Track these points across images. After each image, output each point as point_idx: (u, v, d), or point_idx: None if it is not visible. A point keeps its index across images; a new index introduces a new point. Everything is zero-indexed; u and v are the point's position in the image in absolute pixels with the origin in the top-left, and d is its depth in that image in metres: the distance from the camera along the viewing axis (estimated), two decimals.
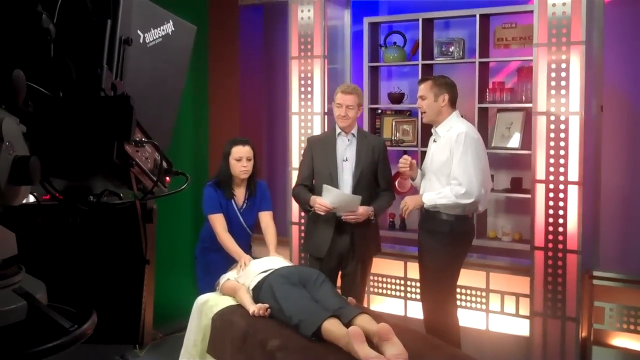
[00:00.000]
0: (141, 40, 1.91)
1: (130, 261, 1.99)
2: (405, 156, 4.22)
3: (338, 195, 4.08)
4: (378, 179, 4.28)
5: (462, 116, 4.24)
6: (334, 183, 4.17)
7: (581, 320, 4.32)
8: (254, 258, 4.24)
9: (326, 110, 5.20)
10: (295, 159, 5.28)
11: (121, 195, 2.00)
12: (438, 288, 4.06)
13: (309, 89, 5.24)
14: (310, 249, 4.34)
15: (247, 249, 4.42)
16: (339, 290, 4.28)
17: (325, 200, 4.05)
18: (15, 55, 1.58)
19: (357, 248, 4.21)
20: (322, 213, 4.09)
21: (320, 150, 4.29)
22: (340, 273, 4.31)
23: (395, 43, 5.40)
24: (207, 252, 4.44)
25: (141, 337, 2.06)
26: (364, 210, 4.10)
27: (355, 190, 4.16)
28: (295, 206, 5.27)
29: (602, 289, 4.44)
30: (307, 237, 4.40)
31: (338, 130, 4.26)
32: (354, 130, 4.26)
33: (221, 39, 6.00)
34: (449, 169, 3.93)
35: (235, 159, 4.30)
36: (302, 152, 4.51)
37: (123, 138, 1.65)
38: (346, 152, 4.23)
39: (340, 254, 4.21)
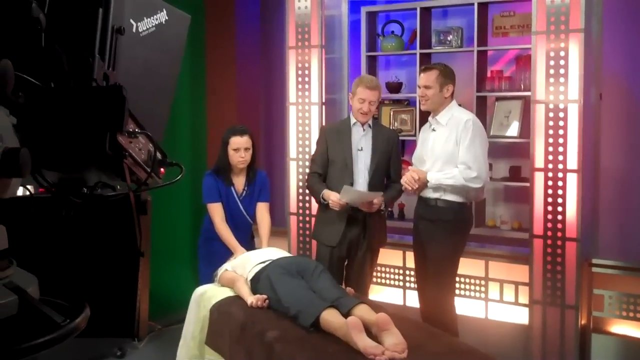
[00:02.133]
0: (134, 30, 1.88)
1: (124, 254, 1.98)
2: (411, 175, 4.05)
3: (357, 194, 4.08)
4: (390, 170, 4.29)
5: (459, 105, 4.22)
6: (349, 172, 4.18)
7: (580, 308, 4.31)
8: (256, 249, 4.23)
9: (324, 101, 5.17)
10: (293, 150, 5.26)
11: (116, 187, 1.98)
12: (439, 277, 4.05)
13: (307, 78, 5.21)
14: (322, 237, 4.33)
15: (249, 239, 4.41)
16: (345, 280, 4.29)
17: (343, 198, 4.05)
18: (5, 45, 1.55)
19: (367, 237, 4.23)
20: (337, 209, 4.11)
21: (335, 139, 4.28)
22: (346, 262, 4.31)
23: (393, 32, 5.37)
24: (209, 242, 4.42)
25: (137, 329, 2.05)
26: (378, 201, 4.11)
27: (370, 180, 4.18)
28: (293, 197, 5.26)
29: (601, 276, 4.44)
30: (319, 225, 4.40)
31: (353, 121, 4.25)
32: (370, 121, 4.25)
33: (218, 29, 5.97)
34: (456, 157, 3.92)
35: (233, 149, 4.28)
36: (316, 140, 4.50)
37: (116, 129, 1.62)
38: (361, 141, 4.23)
39: (351, 242, 4.23)
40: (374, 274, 5.13)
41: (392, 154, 4.29)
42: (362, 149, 4.22)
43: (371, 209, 4.12)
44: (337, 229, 4.21)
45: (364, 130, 4.24)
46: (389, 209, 5.43)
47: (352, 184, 4.16)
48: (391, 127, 5.26)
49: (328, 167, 4.28)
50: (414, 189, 4.04)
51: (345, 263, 4.32)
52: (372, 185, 4.19)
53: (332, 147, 4.28)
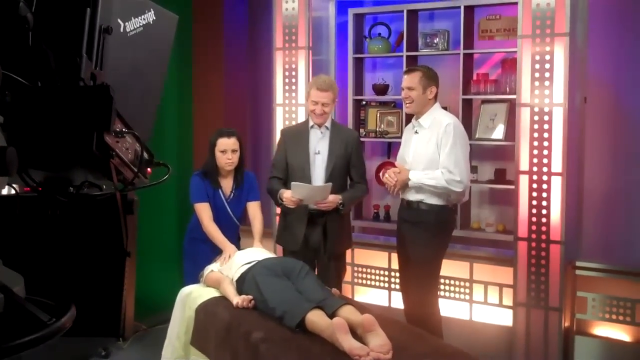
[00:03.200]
0: (121, 29, 1.89)
1: (110, 253, 1.97)
2: (392, 171, 4.10)
3: (307, 189, 4.07)
4: (351, 172, 4.27)
5: (444, 108, 4.24)
6: (306, 176, 4.16)
7: (564, 310, 4.35)
8: (240, 249, 4.22)
9: None
10: None
11: (102, 187, 1.97)
12: (422, 279, 4.06)
13: (294, 80, 5.22)
14: (285, 242, 4.32)
15: (235, 241, 4.40)
16: None
17: (295, 195, 4.04)
18: None
19: (328, 242, 4.20)
20: (292, 206, 4.09)
21: (293, 142, 4.27)
22: (316, 266, 4.30)
23: (380, 34, 5.38)
24: (194, 242, 4.41)
25: (122, 329, 2.05)
26: (333, 198, 4.09)
27: (327, 183, 4.14)
28: None
29: (584, 279, 4.47)
30: (281, 230, 4.39)
31: (311, 123, 4.23)
32: (328, 123, 4.24)
33: (205, 30, 5.96)
34: (436, 160, 3.94)
35: (220, 151, 4.27)
36: (277, 143, 4.47)
37: (103, 128, 1.63)
38: (319, 144, 4.22)
39: (313, 247, 4.21)
40: (360, 275, 5.16)
41: (352, 156, 4.24)
42: (319, 152, 4.20)
43: (327, 206, 4.09)
44: (297, 234, 4.20)
45: (321, 133, 4.22)
46: (375, 211, 5.46)
47: None
48: (377, 129, 5.27)
49: (287, 171, 4.27)
50: (393, 184, 4.03)
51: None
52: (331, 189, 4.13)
53: (290, 151, 4.26)
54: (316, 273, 4.28)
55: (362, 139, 5.41)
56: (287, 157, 4.26)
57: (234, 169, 4.34)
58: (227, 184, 4.37)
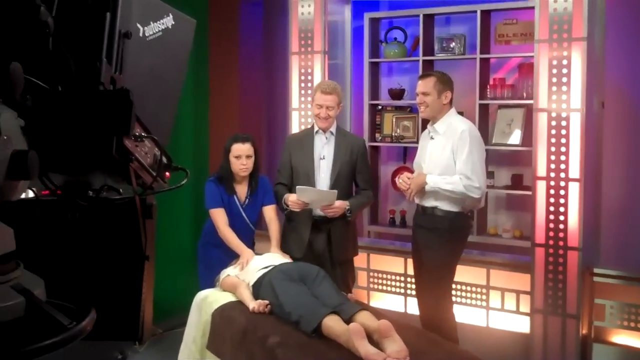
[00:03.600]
0: (140, 34, 1.89)
1: (129, 257, 1.97)
2: (405, 176, 4.11)
3: (313, 193, 4.07)
4: (357, 178, 4.25)
5: (460, 113, 4.23)
6: (311, 181, 4.16)
7: (582, 318, 4.31)
8: (256, 254, 4.22)
9: None
10: None
11: (121, 190, 1.98)
12: (436, 285, 4.05)
13: (310, 84, 5.22)
14: (288, 249, 4.29)
15: (250, 246, 4.40)
16: None
17: (301, 198, 4.04)
18: (13, 48, 1.56)
19: (333, 249, 4.19)
20: (297, 209, 4.08)
21: (298, 148, 4.27)
22: None
23: (395, 39, 5.38)
24: (208, 247, 4.42)
25: (141, 333, 2.05)
26: (340, 204, 4.08)
27: (332, 188, 4.13)
28: None
29: (602, 286, 4.43)
30: (285, 237, 4.36)
31: (316, 129, 4.24)
32: (333, 129, 4.24)
33: (221, 34, 5.98)
34: (452, 167, 3.93)
35: (234, 157, 4.26)
36: (283, 150, 4.47)
37: (122, 132, 1.63)
38: (323, 150, 4.22)
39: (318, 255, 4.18)
40: (376, 281, 5.14)
41: (358, 162, 4.22)
42: (324, 158, 4.20)
43: (334, 212, 4.07)
44: (301, 240, 4.19)
45: (326, 138, 4.22)
46: (391, 216, 5.44)
47: None
48: (393, 134, 5.25)
49: (292, 177, 4.26)
50: (406, 188, 4.02)
51: None
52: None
53: (295, 157, 4.27)
54: None
55: (378, 144, 5.43)
56: (292, 162, 4.27)
57: (248, 175, 4.34)
58: (241, 190, 4.36)
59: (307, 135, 4.29)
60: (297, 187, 4.06)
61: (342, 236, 4.22)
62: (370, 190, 4.30)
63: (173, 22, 2.02)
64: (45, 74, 1.64)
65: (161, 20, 1.98)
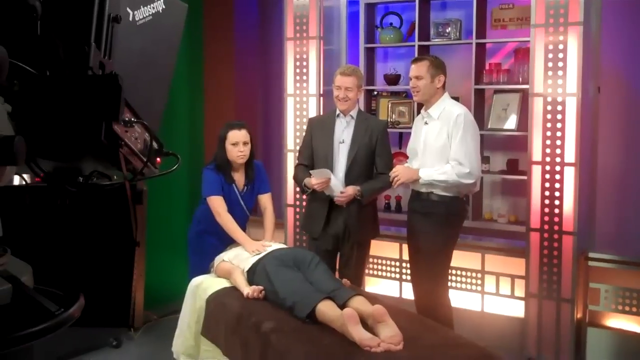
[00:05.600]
0: (130, 18, 1.87)
1: (120, 243, 1.97)
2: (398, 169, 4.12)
3: (325, 175, 4.07)
4: (376, 162, 4.23)
5: (456, 98, 4.21)
6: (329, 164, 4.16)
7: (576, 302, 4.32)
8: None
9: (322, 92, 5.16)
10: (290, 141, 5.25)
11: (112, 176, 1.97)
12: (432, 270, 4.05)
13: (305, 70, 5.20)
14: (307, 229, 4.36)
15: (244, 231, 4.39)
16: (336, 272, 4.27)
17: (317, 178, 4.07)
18: (0, 33, 1.54)
19: (351, 230, 4.19)
20: (320, 189, 4.09)
21: (319, 131, 4.28)
22: (338, 255, 4.30)
23: (391, 24, 5.35)
24: (202, 235, 4.38)
25: (132, 319, 2.05)
26: (351, 190, 4.09)
27: (348, 172, 4.14)
28: (290, 188, 5.25)
29: (597, 270, 4.44)
30: (305, 216, 4.45)
31: (337, 112, 4.23)
32: (353, 112, 4.23)
33: (216, 20, 5.94)
34: (447, 151, 3.92)
35: (231, 144, 4.23)
36: (305, 131, 4.48)
37: (111, 118, 1.62)
38: (343, 133, 4.21)
39: (336, 235, 4.21)
40: (372, 266, 5.15)
41: (378, 145, 4.20)
42: (343, 141, 4.20)
43: (344, 199, 4.09)
44: (319, 221, 4.22)
45: (347, 122, 4.22)
46: (386, 201, 5.44)
47: None
48: (388, 119, 5.24)
49: (313, 159, 4.28)
50: (395, 177, 4.02)
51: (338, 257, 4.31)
52: (351, 178, 4.14)
53: (316, 139, 4.28)
54: (338, 261, 4.29)
55: None
56: (313, 145, 4.29)
57: (245, 162, 4.32)
58: (239, 178, 4.34)
59: (329, 118, 4.30)
60: (311, 172, 4.10)
61: (360, 217, 4.21)
62: (387, 175, 4.25)
63: (164, 7, 2.00)
64: (33, 59, 1.63)
65: (152, 5, 1.96)
